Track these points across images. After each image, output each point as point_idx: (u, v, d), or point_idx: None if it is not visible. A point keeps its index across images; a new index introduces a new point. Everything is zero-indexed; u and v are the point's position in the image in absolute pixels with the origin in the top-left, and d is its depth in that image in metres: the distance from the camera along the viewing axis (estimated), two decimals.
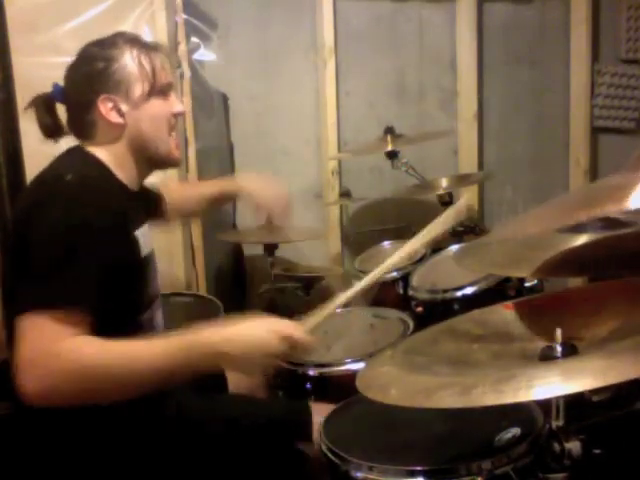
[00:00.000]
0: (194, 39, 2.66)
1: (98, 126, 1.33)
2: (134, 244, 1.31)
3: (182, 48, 2.44)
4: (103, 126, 1.33)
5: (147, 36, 2.26)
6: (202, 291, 2.51)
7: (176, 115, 1.39)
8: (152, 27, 2.26)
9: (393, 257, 1.44)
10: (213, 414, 1.40)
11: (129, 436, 1.25)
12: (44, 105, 1.38)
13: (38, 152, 2.18)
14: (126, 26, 2.21)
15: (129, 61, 1.32)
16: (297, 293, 2.52)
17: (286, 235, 2.43)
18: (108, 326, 1.15)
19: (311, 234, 2.69)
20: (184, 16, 2.46)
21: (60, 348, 1.08)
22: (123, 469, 1.24)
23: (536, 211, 1.08)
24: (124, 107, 1.32)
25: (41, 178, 1.30)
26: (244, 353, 1.21)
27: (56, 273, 1.13)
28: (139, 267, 1.33)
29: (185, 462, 1.29)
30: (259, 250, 2.53)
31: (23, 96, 2.15)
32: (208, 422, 1.37)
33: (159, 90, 1.35)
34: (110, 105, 1.31)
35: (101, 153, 1.33)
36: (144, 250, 1.34)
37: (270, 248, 2.43)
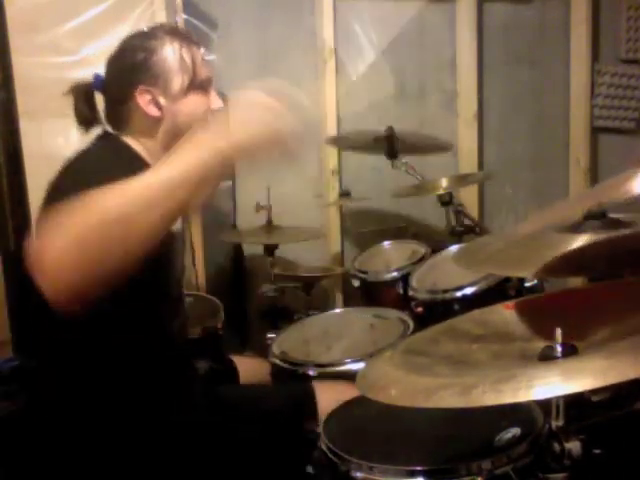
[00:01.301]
0: None
1: (134, 117, 1.32)
2: None
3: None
4: (139, 118, 1.32)
5: None
6: (202, 291, 2.51)
7: (214, 110, 1.37)
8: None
9: None
10: (217, 404, 1.40)
11: (134, 426, 1.25)
12: (83, 93, 1.37)
13: (38, 152, 2.19)
14: (126, 26, 2.22)
15: (170, 54, 1.31)
16: (297, 293, 2.53)
17: (286, 235, 2.44)
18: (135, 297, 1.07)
19: (311, 234, 2.70)
20: (184, 16, 2.46)
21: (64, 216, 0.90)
22: (125, 469, 1.24)
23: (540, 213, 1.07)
24: (162, 100, 1.31)
25: (73, 164, 1.25)
26: (247, 116, 1.02)
27: None
28: (170, 241, 1.30)
29: (191, 453, 1.29)
30: (259, 250, 2.53)
31: (23, 96, 2.16)
32: (213, 411, 1.37)
33: (199, 85, 1.34)
34: (148, 97, 1.30)
35: (134, 143, 1.33)
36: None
37: (270, 248, 2.44)
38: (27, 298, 1.27)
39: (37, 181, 2.15)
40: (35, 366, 1.30)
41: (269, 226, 2.43)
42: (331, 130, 2.88)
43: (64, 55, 2.16)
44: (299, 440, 1.36)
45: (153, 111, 1.31)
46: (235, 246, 2.84)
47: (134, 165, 1.25)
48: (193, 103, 1.34)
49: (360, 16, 2.93)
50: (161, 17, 2.27)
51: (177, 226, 1.37)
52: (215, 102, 1.38)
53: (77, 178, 1.15)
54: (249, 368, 1.70)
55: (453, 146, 2.94)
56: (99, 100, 1.39)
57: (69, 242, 0.88)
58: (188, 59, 1.32)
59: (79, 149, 1.30)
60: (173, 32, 1.35)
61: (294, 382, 1.59)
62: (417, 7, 3.01)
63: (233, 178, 2.84)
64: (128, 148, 1.32)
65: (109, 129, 1.36)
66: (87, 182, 0.96)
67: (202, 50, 1.37)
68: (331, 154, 2.91)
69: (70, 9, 2.19)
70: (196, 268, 2.53)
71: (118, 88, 1.33)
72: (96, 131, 1.38)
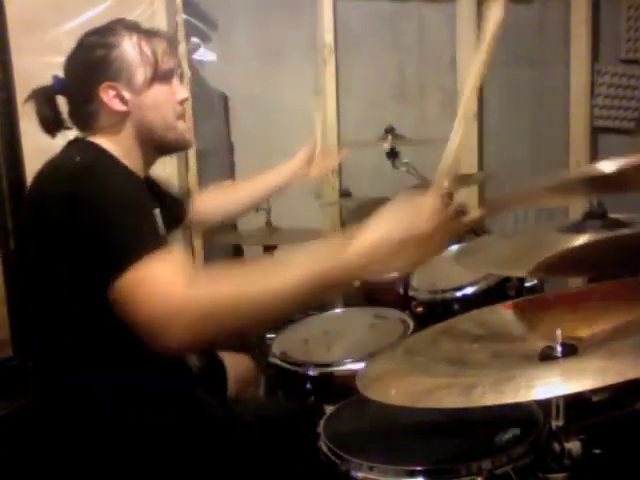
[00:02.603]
0: (194, 39, 2.67)
1: (101, 115, 1.30)
2: (155, 221, 1.27)
3: (182, 48, 2.44)
4: (106, 115, 1.30)
5: None
6: None
7: (181, 102, 1.36)
8: (152, 27, 2.26)
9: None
10: (218, 414, 1.40)
11: (134, 438, 1.25)
12: (44, 97, 1.36)
13: (38, 152, 2.19)
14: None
15: (129, 47, 1.30)
16: None
17: (286, 236, 2.43)
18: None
19: (311, 234, 2.69)
20: (184, 16, 2.46)
21: (185, 294, 1.04)
22: (127, 470, 1.24)
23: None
24: (127, 94, 1.29)
25: (59, 164, 1.26)
26: (387, 259, 1.03)
27: (126, 224, 1.12)
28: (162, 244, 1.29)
29: (189, 462, 1.29)
30: (259, 251, 2.53)
31: (23, 96, 2.16)
32: (212, 423, 1.37)
33: (162, 76, 1.32)
34: (112, 93, 1.28)
35: (105, 143, 1.31)
36: (161, 232, 1.30)
37: (270, 249, 2.43)
38: (27, 298, 1.28)
39: None
40: (35, 366, 1.29)
41: (269, 227, 2.43)
42: (331, 130, 2.88)
43: (64, 55, 2.15)
44: (297, 443, 1.37)
45: (119, 106, 1.29)
46: (235, 247, 2.83)
47: (113, 169, 1.26)
48: (158, 94, 1.32)
49: (360, 16, 2.94)
50: (161, 17, 2.28)
51: (163, 232, 1.36)
52: (180, 92, 1.36)
53: (91, 186, 1.16)
54: (236, 364, 1.71)
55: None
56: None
57: (198, 320, 1.03)
58: (149, 51, 1.31)
59: (52, 158, 1.28)
60: (131, 26, 1.34)
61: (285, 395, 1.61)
62: (417, 7, 3.02)
63: (233, 178, 2.85)
64: (103, 152, 1.30)
65: (77, 134, 1.35)
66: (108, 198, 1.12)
67: (162, 41, 1.35)
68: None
69: (70, 9, 2.19)
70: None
71: (80, 87, 1.32)
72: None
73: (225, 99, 2.81)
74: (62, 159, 1.27)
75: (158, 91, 1.32)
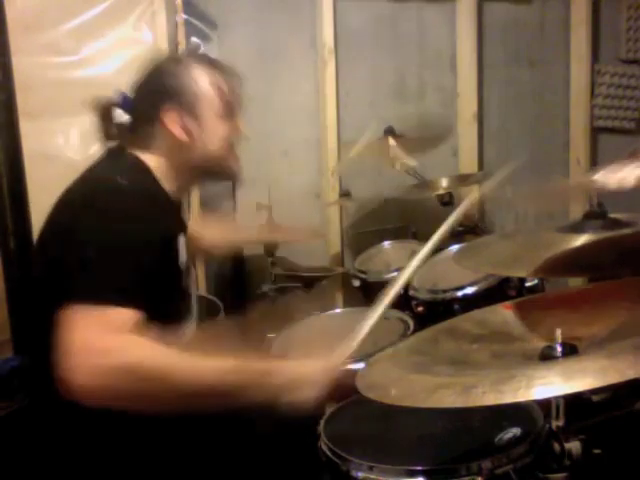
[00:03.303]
0: (194, 39, 2.66)
1: (158, 138, 1.34)
2: (175, 252, 1.31)
3: (182, 48, 2.44)
4: (164, 139, 1.34)
5: (147, 36, 2.27)
6: (202, 291, 2.51)
7: (239, 136, 1.41)
8: (152, 27, 2.26)
9: (413, 262, 1.47)
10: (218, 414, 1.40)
11: (134, 437, 1.25)
12: (105, 110, 1.39)
13: (38, 152, 2.19)
14: (126, 26, 2.22)
15: (202, 79, 1.34)
16: (297, 293, 2.53)
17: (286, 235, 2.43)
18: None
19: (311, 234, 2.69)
20: (184, 16, 2.46)
21: (111, 344, 1.07)
22: (123, 469, 1.24)
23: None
24: (190, 124, 1.33)
25: (91, 177, 1.30)
26: (289, 387, 1.18)
27: (106, 271, 1.13)
28: (176, 273, 1.32)
29: (191, 463, 1.29)
30: (259, 250, 2.53)
31: (23, 96, 2.16)
32: (213, 421, 1.37)
33: (227, 112, 1.37)
34: (177, 120, 1.32)
35: (151, 161, 1.34)
36: (182, 258, 1.34)
37: (270, 248, 2.43)
38: (27, 298, 1.28)
39: (37, 181, 2.16)
40: (34, 365, 1.29)
41: (269, 226, 2.43)
42: (331, 130, 2.88)
43: (64, 55, 2.16)
44: (297, 443, 1.37)
45: (180, 133, 1.33)
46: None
47: (152, 194, 1.29)
48: (220, 129, 1.36)
49: (360, 16, 2.94)
50: (161, 17, 2.27)
51: (185, 258, 1.37)
52: (243, 129, 1.41)
53: (100, 224, 1.18)
54: None
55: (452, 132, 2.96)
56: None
57: (108, 384, 1.05)
58: (219, 86, 1.35)
59: (95, 165, 1.32)
60: (205, 60, 1.40)
61: None
62: (417, 7, 3.02)
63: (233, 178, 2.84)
64: (146, 170, 1.33)
65: (124, 144, 1.37)
66: (112, 237, 1.15)
67: (234, 79, 1.40)
68: (331, 154, 2.91)
69: (70, 9, 2.19)
70: (196, 268, 2.52)
71: (147, 108, 1.35)
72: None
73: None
74: (102, 173, 1.30)
75: (220, 126, 1.36)
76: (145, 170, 1.33)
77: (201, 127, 1.34)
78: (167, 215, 1.31)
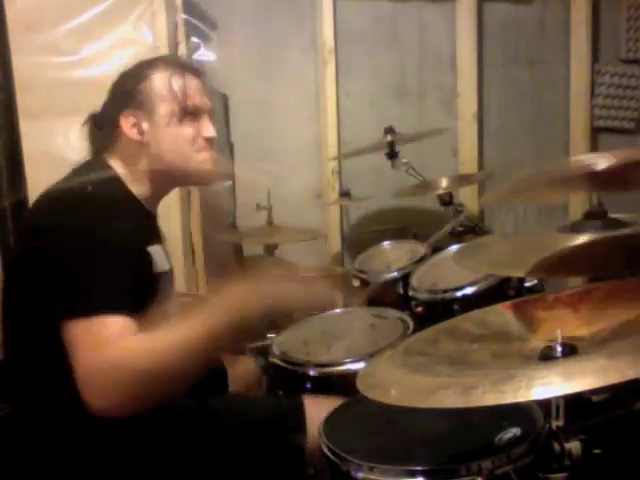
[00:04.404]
0: (194, 39, 2.66)
1: (119, 141, 1.35)
2: (147, 258, 1.31)
3: (182, 48, 2.44)
4: (124, 142, 1.35)
5: (147, 36, 2.26)
6: (202, 291, 2.51)
7: (207, 139, 1.39)
8: (152, 27, 2.26)
9: None
10: (207, 413, 1.40)
11: (127, 437, 1.25)
12: (90, 122, 1.42)
13: (38, 152, 2.19)
14: (126, 26, 2.22)
15: (158, 81, 1.34)
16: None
17: (286, 235, 2.44)
18: None
19: (311, 234, 2.69)
20: (184, 16, 2.46)
21: (115, 354, 1.08)
22: (121, 470, 1.24)
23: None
24: (145, 125, 1.33)
25: (61, 188, 1.30)
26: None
27: (89, 282, 1.14)
28: (150, 283, 1.32)
29: (181, 461, 1.29)
30: (259, 250, 2.53)
31: (23, 96, 2.16)
32: (206, 421, 1.37)
33: (188, 112, 1.36)
34: (132, 121, 1.33)
35: (119, 166, 1.35)
36: (157, 267, 1.34)
37: (270, 248, 2.44)
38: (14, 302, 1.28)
39: (37, 181, 2.15)
40: (22, 367, 1.29)
41: (269, 226, 2.43)
42: (331, 130, 2.88)
43: (64, 55, 2.15)
44: (285, 452, 1.37)
45: (134, 135, 1.33)
46: (235, 246, 2.84)
47: (119, 200, 1.31)
48: (179, 130, 1.35)
49: (360, 16, 2.94)
50: (161, 17, 2.27)
51: (163, 268, 1.37)
52: (206, 131, 1.39)
53: (73, 235, 1.19)
54: (237, 367, 1.70)
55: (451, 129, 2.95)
56: None
57: (120, 383, 1.06)
58: (177, 87, 1.34)
59: (67, 178, 1.32)
60: (169, 61, 1.39)
61: (286, 394, 1.60)
62: (417, 7, 3.02)
63: (233, 178, 2.85)
64: (114, 177, 1.34)
65: (101, 153, 1.38)
66: (86, 246, 1.16)
67: (196, 79, 1.39)
68: (331, 154, 2.91)
69: (70, 9, 2.19)
70: (196, 268, 2.52)
71: (107, 112, 1.37)
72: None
73: (225, 99, 2.81)
74: (71, 184, 1.30)
75: (180, 126, 1.35)
76: (115, 178, 1.33)
77: (157, 129, 1.34)
78: (136, 221, 1.30)
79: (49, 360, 1.20)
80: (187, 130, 1.36)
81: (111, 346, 1.08)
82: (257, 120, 2.88)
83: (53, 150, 2.09)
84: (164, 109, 1.34)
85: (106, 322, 1.10)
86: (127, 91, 1.35)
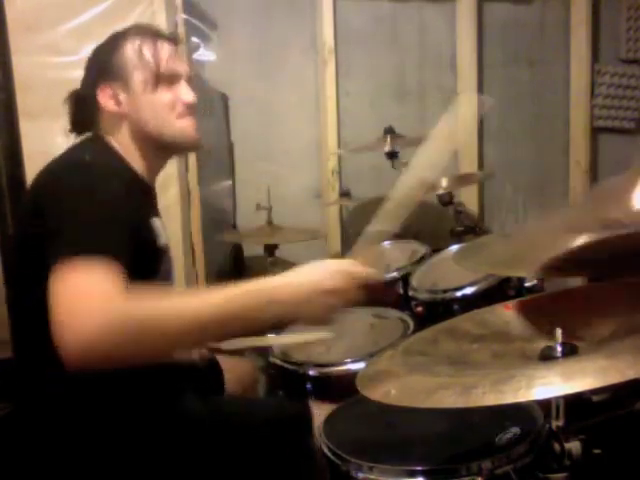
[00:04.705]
0: (194, 39, 2.67)
1: (100, 115, 1.33)
2: (151, 229, 1.29)
3: (182, 48, 2.44)
4: (105, 115, 1.33)
5: None
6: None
7: (187, 104, 1.36)
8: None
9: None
10: (211, 415, 1.40)
11: (128, 438, 1.25)
12: (74, 99, 1.39)
13: (38, 152, 2.19)
14: (126, 26, 2.21)
15: (129, 50, 1.32)
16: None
17: (286, 235, 2.44)
18: None
19: (311, 234, 2.69)
20: (184, 16, 2.46)
21: (102, 299, 0.99)
22: (122, 470, 1.24)
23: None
24: (122, 96, 1.32)
25: (59, 160, 1.27)
26: (305, 299, 1.12)
27: (87, 226, 1.09)
28: (155, 254, 1.29)
29: (183, 463, 1.29)
30: (259, 250, 2.53)
31: (23, 96, 2.16)
32: (206, 423, 1.37)
33: (164, 79, 1.33)
34: (109, 94, 1.32)
35: (113, 141, 1.33)
36: (160, 240, 1.31)
37: (270, 248, 2.43)
38: (23, 299, 1.27)
39: None
40: (29, 366, 1.28)
41: (269, 226, 2.43)
42: (331, 130, 2.88)
43: (64, 55, 2.15)
44: (294, 453, 1.36)
45: (112, 106, 1.32)
46: (235, 246, 2.84)
47: (119, 171, 1.28)
48: (157, 96, 1.33)
49: (360, 16, 2.94)
50: (161, 17, 2.27)
51: (164, 241, 1.34)
52: (184, 95, 1.36)
53: (74, 188, 1.15)
54: (233, 368, 1.69)
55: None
56: None
57: (106, 335, 0.96)
58: (149, 54, 1.32)
59: (64, 151, 1.30)
60: (140, 29, 1.37)
61: (286, 394, 1.60)
62: (417, 7, 3.02)
63: (233, 178, 2.85)
64: (112, 151, 1.32)
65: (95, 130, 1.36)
66: (87, 195, 1.12)
67: (170, 45, 1.37)
68: (331, 154, 2.91)
69: (70, 9, 2.19)
70: (196, 268, 2.52)
71: (84, 88, 1.36)
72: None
73: (225, 99, 2.81)
74: (72, 155, 1.28)
75: (157, 93, 1.33)
76: (111, 150, 1.32)
77: (134, 98, 1.32)
78: (137, 193, 1.28)
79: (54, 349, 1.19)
80: (164, 96, 1.34)
81: (94, 288, 1.00)
82: (257, 120, 2.88)
83: (53, 150, 2.07)
84: (137, 77, 1.32)
85: (98, 267, 1.02)
86: (101, 64, 1.33)
